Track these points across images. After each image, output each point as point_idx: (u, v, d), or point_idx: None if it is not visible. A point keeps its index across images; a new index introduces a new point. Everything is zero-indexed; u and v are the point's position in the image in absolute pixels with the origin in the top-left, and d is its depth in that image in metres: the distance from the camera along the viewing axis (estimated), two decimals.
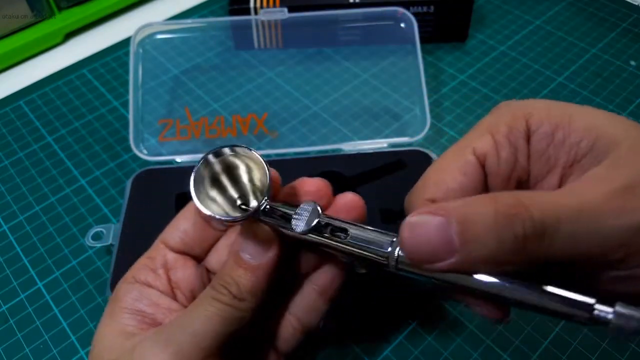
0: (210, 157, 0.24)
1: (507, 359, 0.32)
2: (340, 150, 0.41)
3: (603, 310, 0.18)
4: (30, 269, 0.38)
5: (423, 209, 0.18)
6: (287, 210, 0.23)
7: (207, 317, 0.22)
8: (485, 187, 0.23)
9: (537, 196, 0.17)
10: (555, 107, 0.22)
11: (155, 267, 0.25)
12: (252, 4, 0.50)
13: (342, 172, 0.39)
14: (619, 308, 0.17)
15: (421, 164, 0.39)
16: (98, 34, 0.57)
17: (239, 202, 0.24)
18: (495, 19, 0.56)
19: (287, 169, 0.39)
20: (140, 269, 0.25)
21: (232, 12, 0.51)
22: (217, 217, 0.23)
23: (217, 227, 0.26)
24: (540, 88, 0.49)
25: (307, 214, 0.23)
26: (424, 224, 0.17)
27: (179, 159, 0.41)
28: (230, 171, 0.25)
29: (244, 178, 0.25)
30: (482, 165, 0.23)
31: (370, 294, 0.34)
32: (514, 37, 0.54)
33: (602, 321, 0.18)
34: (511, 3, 0.57)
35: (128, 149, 0.44)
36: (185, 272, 0.26)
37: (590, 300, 0.18)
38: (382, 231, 0.22)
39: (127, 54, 0.53)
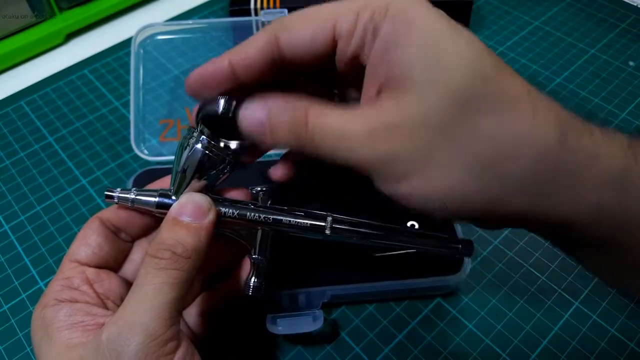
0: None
1: (507, 359, 0.32)
2: None
3: (454, 244, 0.29)
4: (32, 268, 0.38)
5: (256, 101, 0.23)
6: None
7: (158, 289, 0.22)
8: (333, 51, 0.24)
9: (322, 115, 0.22)
10: (404, 17, 0.21)
11: (78, 285, 0.25)
12: (252, 5, 0.50)
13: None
14: (460, 245, 0.29)
15: None
16: (99, 34, 0.57)
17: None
18: (495, 20, 0.56)
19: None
20: (59, 290, 0.24)
21: (233, 13, 0.51)
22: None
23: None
24: (539, 88, 0.49)
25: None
26: (252, 115, 0.23)
27: None
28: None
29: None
30: (334, 39, 0.23)
31: (370, 293, 0.34)
32: (513, 38, 0.54)
33: (456, 250, 0.29)
34: (510, 4, 0.57)
35: (129, 149, 0.45)
36: (110, 283, 0.26)
37: (458, 246, 0.29)
38: (314, 211, 0.28)
39: (127, 54, 0.53)
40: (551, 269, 0.37)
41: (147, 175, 0.39)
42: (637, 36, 0.53)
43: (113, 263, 0.27)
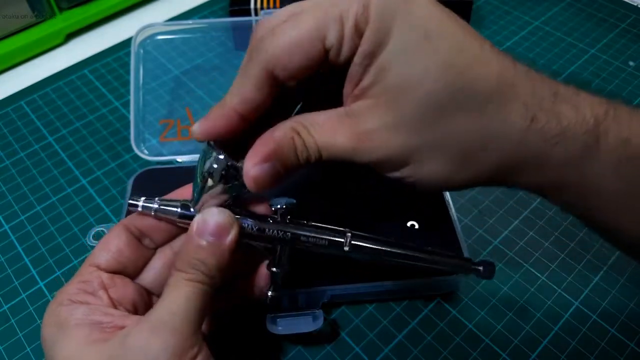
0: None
1: (507, 359, 0.32)
2: None
3: (476, 265, 0.28)
4: (32, 268, 0.38)
5: (255, 159, 0.23)
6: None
7: (187, 296, 0.24)
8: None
9: (314, 138, 0.23)
10: (383, 22, 0.21)
11: (94, 290, 0.25)
12: (252, 5, 0.50)
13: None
14: (481, 267, 0.28)
15: None
16: (99, 34, 0.57)
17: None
18: (495, 20, 0.56)
19: None
20: (75, 293, 0.25)
21: (232, 13, 0.51)
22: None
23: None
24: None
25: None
26: (262, 174, 0.23)
27: (179, 159, 0.41)
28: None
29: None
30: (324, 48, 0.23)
31: (370, 293, 0.34)
32: (513, 38, 0.54)
33: (474, 270, 0.28)
34: (510, 4, 0.57)
35: (129, 149, 0.45)
36: (124, 290, 0.26)
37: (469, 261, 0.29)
38: (334, 227, 0.28)
39: (127, 54, 0.53)
40: (551, 269, 0.37)
41: (147, 175, 0.39)
42: (637, 36, 0.53)
43: (132, 269, 0.27)
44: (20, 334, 0.35)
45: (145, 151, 0.42)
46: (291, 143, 0.23)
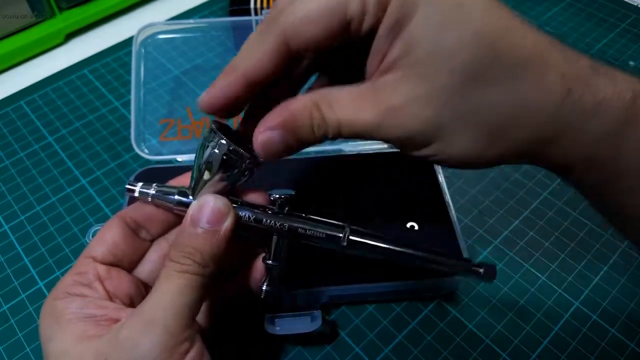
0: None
1: (507, 359, 0.32)
2: (340, 150, 0.41)
3: (476, 267, 0.27)
4: (31, 268, 0.38)
5: (266, 124, 0.23)
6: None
7: (179, 290, 0.23)
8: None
9: (335, 112, 0.23)
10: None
11: (89, 281, 0.25)
12: (252, 5, 0.50)
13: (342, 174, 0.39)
14: (482, 269, 0.27)
15: (421, 164, 0.39)
16: (99, 34, 0.57)
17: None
18: None
19: (287, 169, 0.39)
20: (71, 285, 0.25)
21: (232, 13, 0.51)
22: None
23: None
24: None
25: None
26: (270, 140, 0.23)
27: (180, 158, 0.41)
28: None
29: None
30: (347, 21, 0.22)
31: (369, 294, 0.34)
32: None
33: (474, 272, 0.27)
34: (511, 3, 0.57)
35: (129, 149, 0.45)
36: (120, 281, 0.26)
37: (468, 262, 0.28)
38: (332, 221, 0.27)
39: (127, 54, 0.53)
40: (551, 269, 0.36)
41: (147, 174, 0.39)
42: (637, 36, 0.53)
43: (128, 262, 0.27)
44: (20, 334, 0.35)
45: (146, 150, 0.42)
46: (308, 116, 0.23)
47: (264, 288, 0.28)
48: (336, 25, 0.21)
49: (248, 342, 0.33)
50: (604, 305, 0.35)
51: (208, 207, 0.25)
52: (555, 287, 0.36)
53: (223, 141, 0.24)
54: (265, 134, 0.23)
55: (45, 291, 0.37)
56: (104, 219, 0.40)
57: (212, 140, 0.25)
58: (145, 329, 0.22)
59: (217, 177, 0.25)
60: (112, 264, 0.26)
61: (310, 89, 0.27)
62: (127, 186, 0.27)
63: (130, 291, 0.26)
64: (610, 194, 0.23)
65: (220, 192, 0.26)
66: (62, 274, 0.37)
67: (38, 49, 0.54)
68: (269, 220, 0.27)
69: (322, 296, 0.33)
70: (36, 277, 0.37)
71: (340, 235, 0.27)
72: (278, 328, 0.31)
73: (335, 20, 0.21)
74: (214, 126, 0.25)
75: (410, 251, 0.27)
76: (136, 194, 0.27)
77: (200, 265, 0.24)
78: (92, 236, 0.36)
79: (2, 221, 0.41)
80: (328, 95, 0.23)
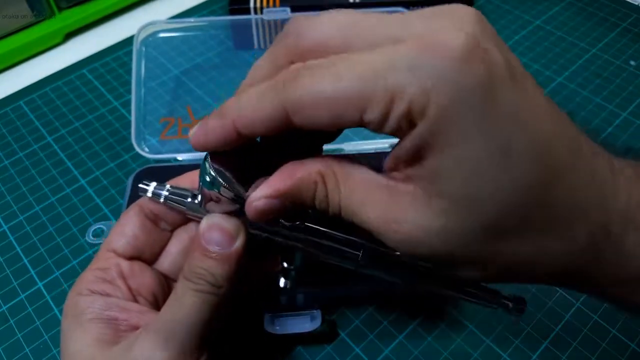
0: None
1: (507, 359, 0.32)
2: (341, 150, 0.41)
3: (507, 301, 0.27)
4: (30, 269, 0.38)
5: (264, 192, 0.21)
6: None
7: (195, 307, 0.23)
8: None
9: (340, 196, 0.21)
10: (444, 124, 0.17)
11: (112, 278, 0.25)
12: (252, 4, 0.50)
13: None
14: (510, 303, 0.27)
15: None
16: (98, 34, 0.57)
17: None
18: (495, 19, 0.56)
19: None
20: (93, 281, 0.25)
21: (232, 12, 0.51)
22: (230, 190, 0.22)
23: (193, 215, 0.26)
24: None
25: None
26: (266, 208, 0.21)
27: (180, 157, 0.41)
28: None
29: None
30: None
31: (369, 294, 0.34)
32: (513, 37, 0.54)
33: (504, 306, 0.27)
34: (511, 3, 0.57)
35: (128, 149, 0.45)
36: (143, 279, 0.26)
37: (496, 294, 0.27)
38: (350, 238, 0.25)
39: (126, 53, 0.53)
40: None
41: (147, 174, 0.39)
42: (638, 35, 0.53)
43: (149, 254, 0.27)
44: (19, 335, 0.34)
45: (146, 149, 0.41)
46: (312, 188, 0.21)
47: (283, 285, 0.26)
48: (347, 119, 0.18)
49: (248, 342, 0.33)
50: (605, 306, 0.34)
51: (216, 228, 0.24)
52: (556, 287, 0.35)
53: (207, 178, 0.23)
54: (261, 202, 0.21)
55: (44, 291, 0.36)
56: (103, 219, 0.40)
57: (204, 171, 0.23)
58: (158, 344, 0.22)
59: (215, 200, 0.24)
60: (134, 257, 0.26)
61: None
62: (140, 185, 0.26)
63: (153, 288, 0.26)
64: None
65: (231, 208, 0.24)
66: (62, 274, 0.37)
67: (37, 48, 0.54)
68: (281, 239, 0.25)
69: (322, 296, 0.33)
70: (35, 277, 0.37)
71: (357, 255, 0.25)
72: (278, 327, 0.31)
73: (347, 115, 0.18)
74: (209, 157, 0.23)
75: (431, 281, 0.25)
76: (149, 194, 0.26)
77: (213, 285, 0.23)
78: (92, 235, 0.36)
79: (1, 221, 0.41)
80: (339, 171, 0.21)
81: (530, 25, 0.55)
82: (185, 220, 0.28)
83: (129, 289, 0.25)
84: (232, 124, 0.21)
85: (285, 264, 0.27)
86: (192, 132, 0.22)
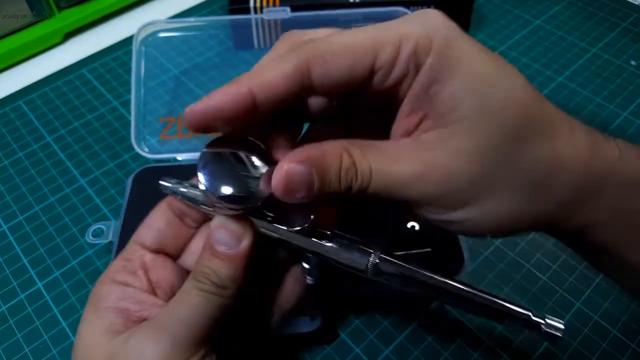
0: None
1: (507, 359, 0.32)
2: None
3: (537, 320, 0.23)
4: (30, 269, 0.38)
5: (294, 157, 0.21)
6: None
7: (195, 305, 0.23)
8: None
9: (369, 160, 0.22)
10: (449, 52, 0.21)
11: (134, 269, 0.25)
12: (252, 4, 0.50)
13: None
14: (549, 320, 0.23)
15: None
16: (97, 33, 0.57)
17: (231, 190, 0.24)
18: (495, 19, 0.56)
19: None
20: (117, 271, 0.25)
21: (232, 12, 0.51)
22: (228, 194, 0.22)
23: (191, 223, 0.27)
24: (540, 88, 0.49)
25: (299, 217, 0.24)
26: (296, 173, 0.21)
27: (179, 157, 0.41)
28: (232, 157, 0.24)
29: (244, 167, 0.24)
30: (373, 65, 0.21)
31: (369, 294, 0.34)
32: (514, 37, 0.54)
33: (535, 328, 0.23)
34: (511, 3, 0.57)
35: (128, 149, 0.44)
36: (164, 272, 0.26)
37: (527, 312, 0.23)
38: (359, 245, 0.24)
39: (126, 53, 0.53)
40: (552, 269, 0.36)
41: (147, 174, 0.39)
42: (638, 35, 0.53)
43: (173, 248, 0.27)
44: (19, 335, 0.34)
45: (146, 149, 0.41)
46: (338, 158, 0.21)
47: (309, 280, 0.26)
48: (363, 68, 0.21)
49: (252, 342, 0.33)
50: (605, 306, 0.34)
51: (222, 228, 0.24)
52: (556, 287, 0.35)
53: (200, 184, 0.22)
54: (291, 165, 0.21)
55: (44, 291, 0.36)
56: (103, 219, 0.40)
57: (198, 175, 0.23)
58: (153, 337, 0.22)
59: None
60: (158, 250, 0.27)
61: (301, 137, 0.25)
62: (161, 182, 0.26)
63: (173, 282, 0.26)
64: (629, 248, 0.23)
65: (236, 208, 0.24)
66: (62, 274, 0.37)
67: (37, 48, 0.54)
68: (290, 244, 0.25)
69: (322, 297, 0.33)
70: (35, 277, 0.37)
71: (368, 260, 0.24)
72: None
73: (363, 63, 0.21)
74: (206, 149, 0.22)
75: (453, 290, 0.24)
76: (168, 192, 0.26)
77: (217, 286, 0.23)
78: (92, 235, 0.36)
79: (1, 221, 0.41)
80: (361, 143, 0.22)
81: (530, 24, 0.55)
82: (209, 217, 0.28)
83: (149, 280, 0.25)
84: (247, 88, 0.20)
85: (306, 265, 0.26)
86: (193, 105, 0.21)
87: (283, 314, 0.27)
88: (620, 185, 0.22)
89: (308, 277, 0.26)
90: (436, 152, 0.21)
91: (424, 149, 0.21)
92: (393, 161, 0.21)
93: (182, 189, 0.26)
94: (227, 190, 0.22)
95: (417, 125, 0.22)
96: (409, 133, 0.23)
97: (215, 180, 0.22)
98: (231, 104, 0.20)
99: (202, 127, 0.21)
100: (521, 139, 0.21)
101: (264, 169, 0.23)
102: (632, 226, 0.23)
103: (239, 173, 0.22)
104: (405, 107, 0.22)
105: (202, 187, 0.22)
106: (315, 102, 0.23)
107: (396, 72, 0.21)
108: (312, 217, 0.24)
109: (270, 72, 0.21)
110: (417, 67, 0.21)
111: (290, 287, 0.27)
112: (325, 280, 0.28)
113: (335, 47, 0.21)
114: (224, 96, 0.20)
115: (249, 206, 0.23)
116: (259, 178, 0.23)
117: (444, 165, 0.21)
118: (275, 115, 0.22)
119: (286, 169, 0.21)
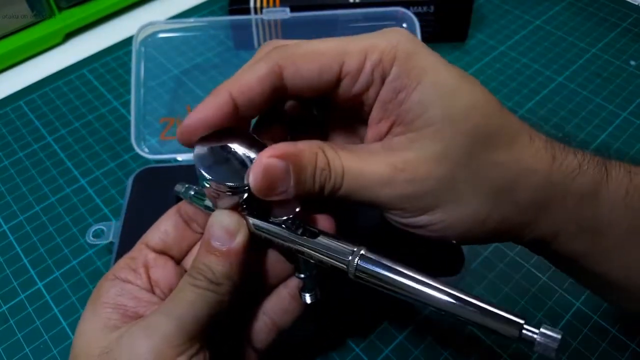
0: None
1: (507, 359, 0.32)
2: None
3: (530, 330, 0.20)
4: (30, 269, 0.38)
5: (272, 152, 0.22)
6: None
7: (189, 302, 0.23)
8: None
9: (342, 160, 0.22)
10: (414, 62, 0.22)
11: (136, 267, 0.26)
12: (252, 4, 0.50)
13: None
14: (544, 330, 0.20)
15: None
16: (98, 34, 0.57)
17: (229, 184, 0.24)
18: (495, 19, 0.56)
19: None
20: (121, 268, 0.26)
21: (232, 12, 0.51)
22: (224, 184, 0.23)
23: (195, 226, 0.27)
24: (540, 88, 0.49)
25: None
26: (276, 166, 0.22)
27: (180, 157, 0.41)
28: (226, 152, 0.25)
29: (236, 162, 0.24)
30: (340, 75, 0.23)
31: (369, 295, 0.34)
32: (514, 37, 0.54)
33: (529, 340, 0.20)
34: (511, 3, 0.57)
35: (128, 149, 0.44)
36: (164, 271, 0.26)
37: (520, 320, 0.20)
38: (346, 243, 0.23)
39: (126, 53, 0.53)
40: (552, 269, 0.36)
41: (147, 174, 0.39)
42: (638, 35, 0.53)
43: (177, 251, 0.28)
44: (19, 335, 0.34)
45: (146, 149, 0.41)
46: (313, 158, 0.22)
47: (307, 295, 0.26)
48: (329, 75, 0.22)
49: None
50: (605, 306, 0.34)
51: (216, 224, 0.24)
52: (556, 287, 0.35)
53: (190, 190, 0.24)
54: (270, 160, 0.22)
55: (44, 291, 0.36)
56: (103, 219, 0.40)
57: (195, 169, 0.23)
58: (145, 333, 0.22)
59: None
60: (163, 252, 0.27)
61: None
62: (178, 185, 0.28)
63: (172, 282, 0.26)
64: (593, 259, 0.24)
65: (232, 202, 0.24)
66: (62, 274, 0.37)
67: (37, 48, 0.54)
68: (281, 241, 0.24)
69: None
70: (35, 277, 0.37)
71: (345, 267, 0.23)
72: None
73: (331, 70, 0.22)
74: (198, 149, 0.23)
75: (436, 295, 0.23)
76: (180, 195, 0.27)
77: (212, 282, 0.23)
78: (92, 236, 0.36)
79: (1, 221, 0.41)
80: (336, 145, 0.23)
81: (530, 25, 0.55)
82: None
83: (149, 278, 0.26)
84: (227, 93, 0.22)
85: (301, 275, 0.26)
86: (183, 123, 0.23)
87: (278, 332, 0.27)
88: (580, 196, 0.23)
89: (307, 296, 0.26)
90: (405, 154, 0.22)
91: (394, 151, 0.23)
92: (365, 163, 0.22)
93: (191, 192, 0.27)
94: (221, 171, 0.23)
95: (388, 131, 0.23)
96: (381, 138, 0.24)
97: (209, 162, 0.23)
98: (215, 112, 0.23)
99: (194, 142, 0.24)
100: (484, 145, 0.22)
101: (253, 153, 0.24)
102: (595, 236, 0.24)
103: (232, 155, 0.24)
104: (375, 114, 0.24)
105: (198, 171, 0.23)
106: (294, 110, 0.25)
107: (362, 80, 0.23)
108: (297, 209, 0.24)
109: (246, 75, 0.23)
110: (383, 76, 0.22)
111: (286, 305, 0.27)
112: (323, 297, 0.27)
113: (305, 52, 0.22)
114: (207, 108, 0.23)
115: (246, 186, 0.23)
116: (251, 159, 0.24)
117: (412, 167, 0.22)
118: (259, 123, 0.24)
119: (264, 163, 0.22)
